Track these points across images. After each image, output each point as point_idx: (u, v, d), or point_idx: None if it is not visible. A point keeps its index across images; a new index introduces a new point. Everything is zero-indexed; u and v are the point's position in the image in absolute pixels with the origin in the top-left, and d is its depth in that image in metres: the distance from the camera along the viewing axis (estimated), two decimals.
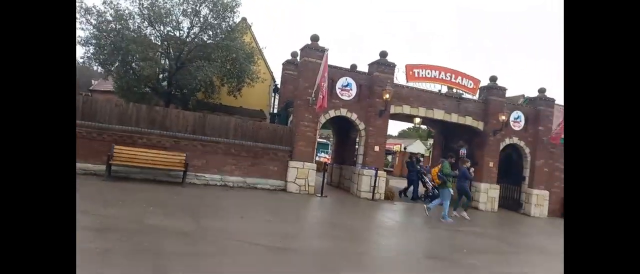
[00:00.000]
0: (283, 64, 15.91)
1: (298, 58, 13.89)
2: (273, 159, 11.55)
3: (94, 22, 12.68)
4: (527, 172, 14.59)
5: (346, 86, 12.30)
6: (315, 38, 11.89)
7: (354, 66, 13.72)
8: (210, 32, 13.76)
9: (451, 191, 9.95)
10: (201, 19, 13.36)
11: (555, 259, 7.18)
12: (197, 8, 13.17)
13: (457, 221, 10.02)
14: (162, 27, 13.34)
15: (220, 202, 8.75)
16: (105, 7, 12.74)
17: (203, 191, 9.61)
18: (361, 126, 12.53)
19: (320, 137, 14.45)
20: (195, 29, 13.64)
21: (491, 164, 13.88)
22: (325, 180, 12.27)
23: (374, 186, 12.04)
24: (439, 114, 13.47)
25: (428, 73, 13.28)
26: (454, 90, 13.80)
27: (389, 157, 27.74)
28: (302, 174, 11.60)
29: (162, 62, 14.45)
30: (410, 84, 13.10)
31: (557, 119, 14.81)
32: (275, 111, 17.15)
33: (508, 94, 14.65)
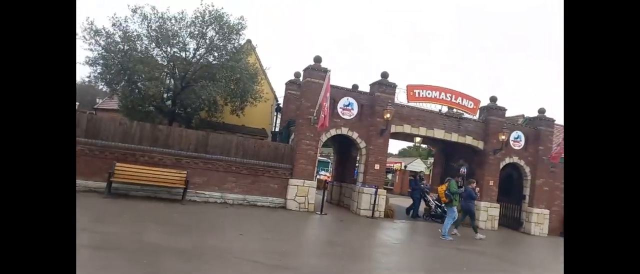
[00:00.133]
0: (286, 83, 16.18)
1: (301, 78, 14.15)
2: (273, 176, 11.63)
3: (102, 43, 13.04)
4: (527, 191, 14.56)
5: (348, 105, 12.49)
6: (317, 59, 12.16)
7: (355, 86, 13.96)
8: (216, 53, 14.10)
9: (456, 210, 9.97)
10: (207, 40, 13.72)
11: None
12: (204, 30, 13.55)
13: (457, 239, 9.97)
14: (168, 49, 13.69)
15: (220, 219, 8.79)
16: (114, 29, 13.14)
17: (203, 208, 9.66)
18: (362, 145, 12.63)
19: (321, 156, 14.52)
20: (201, 50, 13.98)
21: (491, 183, 13.87)
22: (325, 198, 12.29)
23: (374, 204, 12.04)
24: (439, 134, 13.58)
25: (429, 93, 13.47)
26: (454, 110, 13.95)
27: (389, 176, 27.70)
28: (303, 192, 11.64)
29: (167, 81, 14.76)
30: (411, 104, 13.28)
31: (557, 138, 14.88)
32: (277, 129, 17.32)
33: (508, 113, 14.80)
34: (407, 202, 19.32)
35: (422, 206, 14.26)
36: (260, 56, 17.83)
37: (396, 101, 12.92)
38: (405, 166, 28.53)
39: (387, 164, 17.55)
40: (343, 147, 14.95)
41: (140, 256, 5.05)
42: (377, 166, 12.56)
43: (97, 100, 23.74)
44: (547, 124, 14.78)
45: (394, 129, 12.89)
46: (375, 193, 12.11)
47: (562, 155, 14.40)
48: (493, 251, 9.90)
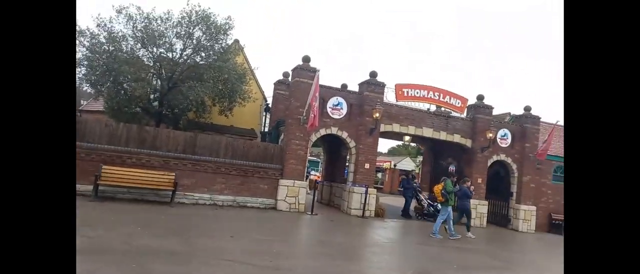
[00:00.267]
0: (274, 83, 16.10)
1: (289, 78, 14.10)
2: (263, 177, 11.55)
3: (87, 44, 12.77)
4: (514, 188, 14.80)
5: (337, 105, 12.49)
6: (306, 59, 12.13)
7: (344, 86, 13.98)
8: (203, 54, 13.92)
9: (450, 209, 10.06)
10: (194, 41, 13.54)
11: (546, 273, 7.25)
12: (191, 31, 13.36)
13: (445, 238, 10.05)
14: (155, 49, 13.46)
15: (210, 221, 8.69)
16: (98, 30, 12.87)
17: (192, 211, 9.54)
18: (352, 144, 12.65)
19: (311, 155, 14.51)
20: (188, 51, 13.79)
21: (479, 181, 14.06)
22: (316, 198, 12.27)
23: (365, 203, 12.08)
24: (428, 132, 13.70)
25: (417, 92, 13.58)
26: (443, 108, 14.09)
27: (379, 175, 27.83)
28: (293, 192, 11.60)
29: (154, 82, 14.52)
30: (400, 103, 13.36)
31: (543, 136, 15.15)
32: (266, 129, 17.23)
33: (495, 111, 15.01)
34: (397, 200, 19.48)
35: (413, 204, 14.36)
36: (249, 56, 17.71)
37: (385, 100, 12.98)
38: (394, 165, 28.70)
39: (377, 163, 17.62)
40: (333, 147, 14.95)
41: (129, 260, 4.96)
42: (367, 165, 12.59)
43: (82, 102, 23.25)
44: (533, 122, 15.04)
45: (383, 128, 12.95)
46: (366, 192, 12.15)
47: (548, 152, 14.69)
48: (484, 248, 10.02)
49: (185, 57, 13.90)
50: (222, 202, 10.95)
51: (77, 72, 13.24)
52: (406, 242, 9.61)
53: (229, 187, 11.13)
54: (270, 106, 17.34)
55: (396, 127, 13.36)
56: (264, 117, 18.50)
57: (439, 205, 13.04)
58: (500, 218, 14.93)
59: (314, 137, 12.31)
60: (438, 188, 10.23)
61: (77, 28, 12.59)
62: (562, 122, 15.86)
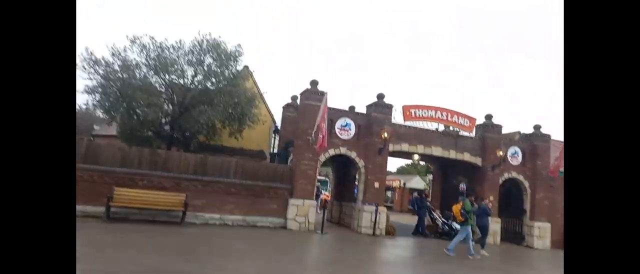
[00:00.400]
0: (283, 106, 16.38)
1: (297, 101, 14.34)
2: (273, 197, 11.58)
3: (101, 72, 13.24)
4: (527, 205, 14.56)
5: (345, 126, 12.63)
6: (314, 83, 12.40)
7: (352, 108, 14.19)
8: (214, 79, 14.30)
9: (469, 228, 9.93)
10: (205, 67, 13.96)
11: None
12: (202, 58, 13.82)
13: (458, 256, 9.84)
14: (167, 76, 13.90)
15: (221, 241, 8.70)
16: (113, 59, 13.38)
17: (203, 231, 9.56)
18: (361, 164, 12.68)
19: (320, 175, 14.54)
20: (199, 77, 14.19)
21: (491, 198, 13.84)
22: (325, 217, 12.22)
23: (375, 222, 11.97)
24: (437, 151, 13.69)
25: (424, 113, 13.68)
26: (451, 128, 14.12)
27: (389, 193, 27.58)
28: (303, 211, 11.58)
29: (166, 107, 14.89)
30: (408, 123, 13.45)
31: (554, 153, 15.00)
32: (276, 151, 17.37)
33: (504, 130, 14.97)
34: (407, 219, 19.21)
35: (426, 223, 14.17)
36: (258, 81, 18.10)
37: (393, 120, 13.09)
38: (404, 184, 28.45)
39: (387, 182, 17.54)
40: (342, 167, 14.98)
41: None
42: (376, 184, 12.57)
43: (95, 127, 23.82)
44: (543, 140, 14.96)
45: (391, 147, 12.99)
46: (376, 211, 12.06)
47: (561, 169, 14.49)
48: (498, 267, 9.79)
49: (196, 83, 14.30)
50: (233, 222, 10.97)
51: (91, 99, 13.69)
52: (418, 260, 9.45)
53: (239, 207, 11.17)
54: (279, 128, 17.56)
55: (405, 147, 13.39)
56: (273, 139, 18.70)
57: (454, 224, 12.89)
58: (514, 236, 14.60)
59: (322, 158, 12.39)
60: (457, 208, 10.09)
61: (93, 57, 13.13)
62: (553, 137, 15.73)
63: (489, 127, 14.31)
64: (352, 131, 12.68)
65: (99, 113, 14.71)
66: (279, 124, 17.67)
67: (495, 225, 13.68)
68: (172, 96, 14.37)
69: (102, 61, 13.31)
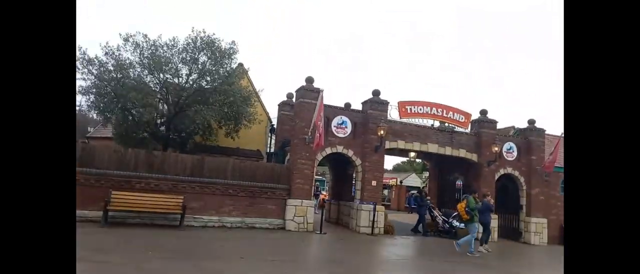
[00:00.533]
0: (279, 105, 16.32)
1: (293, 99, 14.29)
2: (271, 197, 11.57)
3: (95, 72, 13.08)
4: (523, 201, 14.68)
5: (341, 123, 12.61)
6: (310, 80, 12.34)
7: (348, 105, 14.12)
8: (208, 78, 14.19)
9: (477, 225, 10.00)
10: (200, 65, 13.83)
11: None
12: (196, 56, 13.68)
13: (462, 253, 9.92)
14: (161, 75, 13.75)
15: (220, 243, 8.67)
16: (107, 58, 13.21)
17: (201, 233, 9.53)
18: (358, 162, 12.69)
19: (316, 174, 14.54)
20: (194, 76, 14.07)
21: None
22: (324, 216, 12.23)
23: (373, 220, 12.01)
24: (433, 148, 13.73)
25: (420, 109, 13.70)
26: (446, 124, 14.16)
27: (385, 192, 27.66)
28: (301, 211, 11.58)
29: (161, 107, 14.76)
30: (404, 120, 13.47)
31: (549, 148, 15.13)
32: (272, 150, 17.33)
33: (499, 125, 15.05)
34: (405, 217, 19.30)
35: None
36: (253, 79, 18.00)
37: (389, 117, 13.10)
38: (400, 181, 28.56)
39: (383, 180, 17.59)
40: (339, 165, 14.98)
41: None
42: (374, 183, 12.59)
43: (89, 128, 23.59)
44: (537, 135, 15.06)
45: (388, 145, 13.01)
46: (374, 210, 12.10)
47: (556, 164, 14.62)
48: (499, 264, 9.85)
49: (191, 82, 14.17)
50: (231, 224, 10.94)
51: (85, 100, 13.53)
52: (418, 259, 9.50)
53: (237, 209, 11.15)
54: (275, 127, 17.51)
55: (401, 144, 13.42)
56: (269, 138, 18.65)
57: (455, 222, 12.99)
58: (510, 232, 14.74)
59: (319, 157, 12.38)
60: (462, 206, 10.16)
61: (86, 57, 12.95)
62: None
63: (484, 123, 14.37)
64: (349, 129, 12.67)
65: (93, 114, 14.53)
66: (275, 122, 17.63)
67: (493, 222, 13.78)
68: (166, 95, 14.24)
69: (96, 61, 13.14)
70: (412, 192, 26.01)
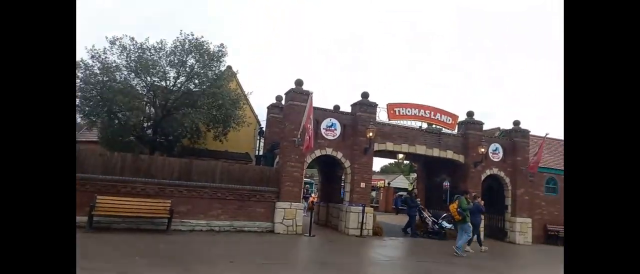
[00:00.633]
0: (268, 107, 16.29)
1: (282, 102, 14.29)
2: (260, 200, 11.53)
3: (80, 75, 12.86)
4: (509, 201, 14.95)
5: (330, 126, 12.66)
6: (299, 82, 12.36)
7: (337, 107, 14.21)
8: (197, 81, 14.08)
9: (470, 225, 10.13)
10: (188, 68, 13.72)
11: None
12: (184, 59, 13.57)
13: (444, 254, 10.05)
14: (148, 78, 13.60)
15: (208, 247, 8.61)
16: (93, 61, 13.01)
17: (189, 238, 9.44)
18: (347, 164, 12.75)
19: (305, 177, 14.55)
20: (182, 78, 13.94)
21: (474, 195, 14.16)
22: (313, 219, 12.24)
23: (362, 222, 12.07)
24: (421, 149, 13.89)
25: (408, 111, 13.86)
26: (434, 126, 14.35)
27: (373, 193, 27.82)
28: (290, 214, 11.56)
29: (148, 110, 14.58)
30: (393, 122, 13.60)
31: (533, 149, 15.44)
32: (261, 153, 17.27)
33: (484, 127, 15.31)
34: (393, 219, 19.43)
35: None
36: (242, 81, 17.94)
37: (378, 119, 13.21)
38: (388, 183, 28.76)
39: (371, 182, 17.68)
40: (327, 168, 15.02)
41: None
42: (362, 184, 12.66)
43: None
44: (522, 136, 15.37)
45: (377, 146, 13.10)
46: (363, 211, 12.16)
47: (540, 164, 14.93)
48: (483, 264, 10.00)
49: (179, 85, 14.05)
50: (219, 228, 10.86)
51: None
52: (405, 260, 9.59)
53: (225, 213, 11.07)
54: (264, 129, 17.46)
55: (390, 146, 13.53)
56: (258, 141, 18.58)
57: (444, 223, 13.14)
58: (496, 231, 14.98)
59: (309, 159, 12.39)
60: (454, 207, 10.26)
61: None
62: (551, 135, 16.23)
63: (470, 125, 14.60)
64: (338, 131, 12.73)
65: (78, 118, 14.25)
66: (263, 125, 17.58)
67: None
68: (154, 98, 14.08)
69: (81, 64, 12.92)
70: (400, 193, 26.21)
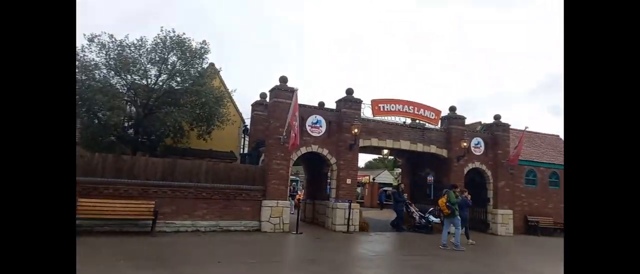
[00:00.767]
0: (252, 105, 16.16)
1: (267, 99, 14.20)
2: (246, 199, 11.46)
3: None
4: (490, 193, 15.32)
5: (316, 123, 12.66)
6: (283, 79, 12.30)
7: (322, 104, 14.19)
8: (179, 79, 13.84)
9: (459, 218, 10.31)
10: (169, 66, 13.46)
11: None
12: (165, 56, 13.30)
13: (432, 247, 10.23)
14: (128, 76, 13.28)
15: (194, 248, 8.51)
16: None
17: (174, 239, 9.31)
18: (332, 161, 12.79)
19: (291, 174, 14.54)
20: (163, 76, 13.68)
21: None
22: (299, 216, 12.25)
23: (349, 218, 12.15)
24: (405, 145, 14.06)
25: (392, 107, 14.00)
26: (417, 121, 14.54)
27: (359, 189, 28.03)
28: (277, 212, 11.54)
29: (129, 110, 14.25)
30: (377, 118, 13.71)
31: (513, 142, 15.85)
32: (246, 151, 17.14)
33: (466, 121, 15.61)
34: (379, 214, 19.64)
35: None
36: (225, 79, 17.72)
37: (362, 115, 13.29)
38: (373, 179, 29.01)
39: (357, 178, 17.80)
40: (313, 165, 15.04)
41: None
42: (348, 181, 12.74)
43: None
44: (503, 129, 15.74)
45: (362, 143, 13.20)
46: (349, 208, 12.24)
47: (520, 157, 15.33)
48: (470, 255, 10.21)
49: (160, 83, 13.78)
50: (205, 228, 10.75)
51: None
52: (393, 254, 9.72)
53: (211, 212, 10.95)
54: (248, 127, 17.33)
55: (375, 142, 13.65)
56: (242, 139, 18.43)
57: (431, 217, 13.36)
58: (479, 223, 15.34)
59: (294, 156, 12.38)
60: (443, 201, 10.38)
61: None
62: (530, 129, 16.68)
63: (453, 119, 14.86)
64: (323, 128, 12.75)
65: None
66: (248, 123, 17.44)
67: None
68: (135, 97, 13.77)
69: None
70: (385, 189, 26.49)
